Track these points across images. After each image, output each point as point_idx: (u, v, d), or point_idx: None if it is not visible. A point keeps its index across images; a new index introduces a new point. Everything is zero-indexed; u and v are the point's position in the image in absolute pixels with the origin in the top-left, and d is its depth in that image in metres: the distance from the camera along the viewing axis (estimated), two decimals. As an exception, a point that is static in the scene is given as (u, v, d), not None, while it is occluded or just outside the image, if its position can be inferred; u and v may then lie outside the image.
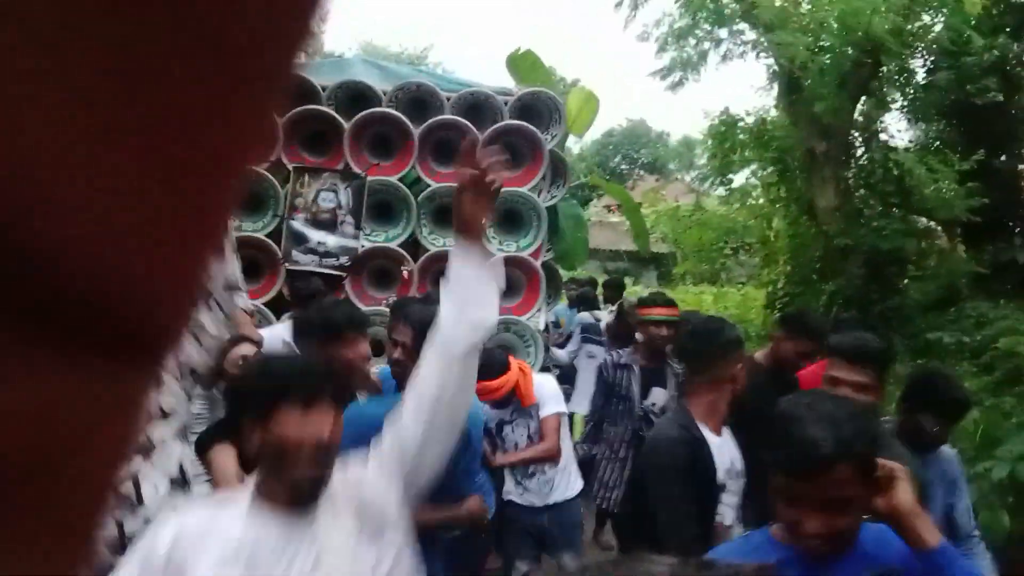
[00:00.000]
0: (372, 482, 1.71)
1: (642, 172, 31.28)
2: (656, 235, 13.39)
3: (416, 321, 2.61)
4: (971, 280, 10.08)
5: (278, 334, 4.17)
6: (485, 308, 1.70)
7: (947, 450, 3.13)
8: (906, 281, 10.47)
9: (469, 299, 1.69)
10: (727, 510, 2.63)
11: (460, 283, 1.70)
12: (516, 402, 3.79)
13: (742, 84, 12.94)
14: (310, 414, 1.61)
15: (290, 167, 5.21)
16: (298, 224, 5.18)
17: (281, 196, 5.17)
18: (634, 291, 16.38)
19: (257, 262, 5.28)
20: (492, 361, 3.62)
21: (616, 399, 4.50)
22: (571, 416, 6.07)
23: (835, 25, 9.32)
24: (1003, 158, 10.74)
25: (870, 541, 1.53)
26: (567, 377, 6.33)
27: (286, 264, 5.15)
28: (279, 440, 1.60)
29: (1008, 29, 10.24)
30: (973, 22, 9.35)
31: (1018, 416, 6.63)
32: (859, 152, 11.10)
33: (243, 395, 1.80)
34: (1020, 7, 10.47)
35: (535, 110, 5.48)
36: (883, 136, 10.98)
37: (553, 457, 3.83)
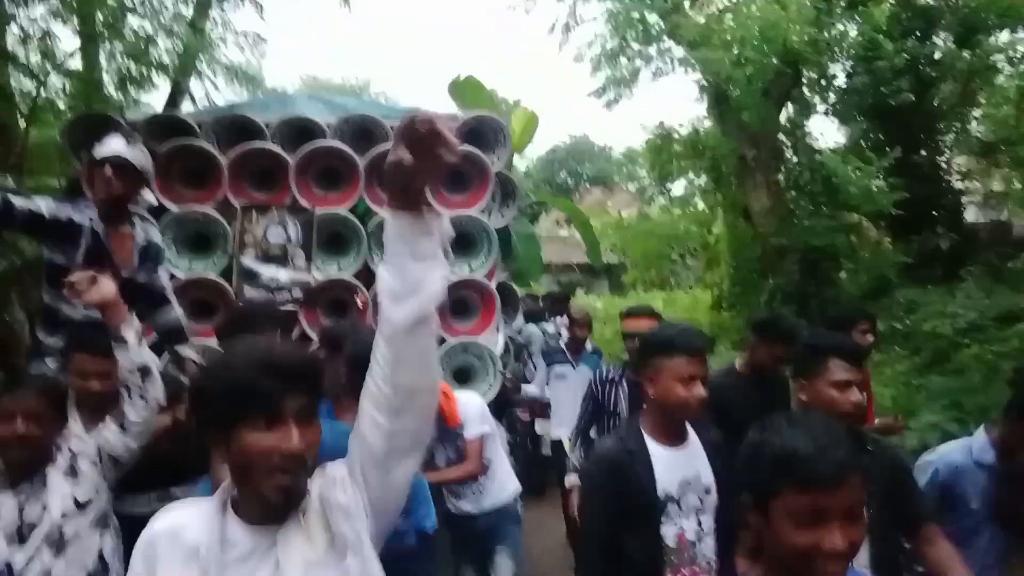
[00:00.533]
0: (340, 501, 1.51)
1: (587, 185, 31.61)
2: (605, 246, 13.68)
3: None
4: (900, 270, 10.39)
5: None
6: (428, 270, 1.49)
7: None
8: (841, 274, 10.91)
9: (408, 265, 1.47)
10: (686, 524, 2.48)
11: (397, 249, 1.48)
12: (441, 423, 3.72)
13: (679, 95, 13.32)
14: (277, 424, 1.42)
15: (237, 205, 5.08)
16: (249, 261, 5.03)
17: (230, 235, 5.04)
18: (587, 301, 16.62)
19: (210, 302, 5.18)
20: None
21: (606, 415, 4.47)
22: (559, 443, 6.04)
23: (755, 39, 9.50)
24: (923, 153, 11.22)
25: None
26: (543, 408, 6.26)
27: (240, 302, 5.05)
28: (244, 454, 1.43)
29: (917, 33, 10.74)
30: (884, 28, 9.79)
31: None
32: (787, 156, 11.38)
33: (200, 405, 1.51)
34: (925, 11, 10.97)
35: (481, 134, 5.42)
36: (808, 139, 11.30)
37: (475, 477, 3.88)
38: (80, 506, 2.55)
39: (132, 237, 3.22)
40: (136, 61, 8.64)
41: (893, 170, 9.81)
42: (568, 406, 5.55)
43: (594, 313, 14.84)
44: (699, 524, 2.52)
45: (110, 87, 8.04)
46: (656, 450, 2.51)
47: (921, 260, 10.42)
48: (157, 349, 3.25)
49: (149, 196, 3.50)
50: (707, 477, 2.55)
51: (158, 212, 5.03)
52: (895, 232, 11.05)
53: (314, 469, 1.53)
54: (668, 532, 2.46)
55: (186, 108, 8.06)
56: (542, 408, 6.17)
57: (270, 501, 1.45)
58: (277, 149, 5.15)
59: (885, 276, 10.43)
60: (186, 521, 1.53)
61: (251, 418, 1.41)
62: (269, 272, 5.08)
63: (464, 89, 6.12)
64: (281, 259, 5.10)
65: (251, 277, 5.08)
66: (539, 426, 6.61)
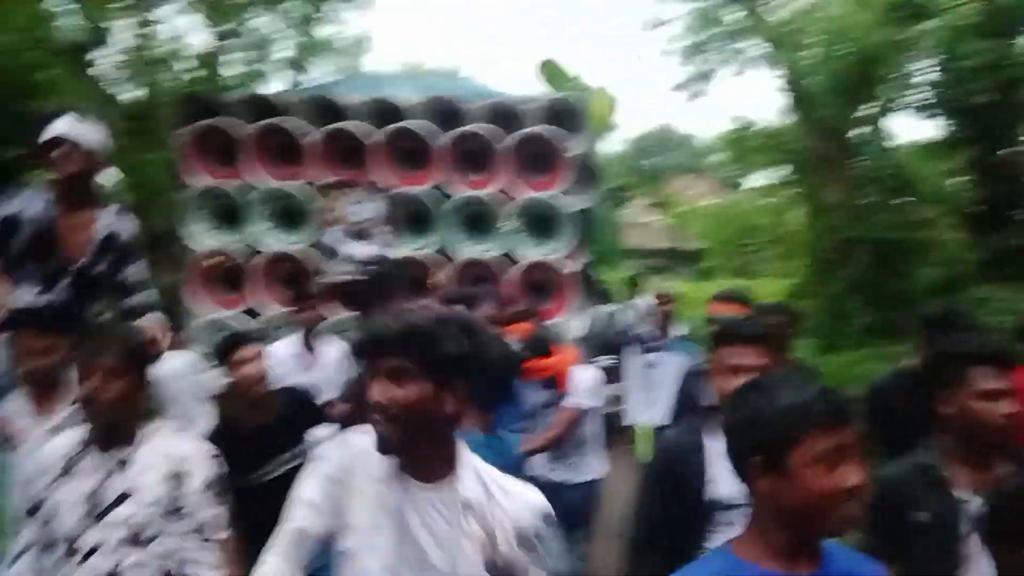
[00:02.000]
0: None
1: (671, 174, 31.00)
2: (688, 233, 13.52)
3: None
4: (975, 266, 9.83)
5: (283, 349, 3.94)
6: None
7: None
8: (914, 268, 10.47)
9: None
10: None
11: None
12: (554, 388, 3.69)
13: (762, 87, 12.99)
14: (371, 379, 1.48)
15: (322, 183, 4.93)
16: (331, 237, 4.87)
17: (315, 211, 4.92)
18: (667, 286, 16.07)
19: (297, 275, 5.08)
20: (543, 342, 3.67)
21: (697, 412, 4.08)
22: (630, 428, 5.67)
23: (833, 40, 9.35)
24: (1002, 151, 10.56)
25: (841, 560, 1.39)
26: None
27: (323, 275, 4.95)
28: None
29: (1000, 32, 10.10)
30: (967, 27, 9.20)
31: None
32: (864, 151, 10.92)
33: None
34: (1010, 10, 10.30)
35: (560, 116, 5.10)
36: (885, 136, 10.88)
37: (553, 446, 3.70)
38: (176, 513, 2.05)
39: (90, 225, 2.92)
40: (257, 60, 8.95)
41: (971, 167, 9.30)
42: (653, 393, 5.13)
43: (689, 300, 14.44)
44: None
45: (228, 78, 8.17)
46: (716, 448, 2.11)
47: (996, 258, 9.86)
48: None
49: (109, 174, 3.15)
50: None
51: (248, 188, 5.01)
52: (972, 228, 10.49)
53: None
54: (715, 542, 2.06)
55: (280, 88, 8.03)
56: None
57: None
58: (360, 129, 5.01)
59: (958, 272, 9.89)
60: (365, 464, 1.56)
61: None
62: (349, 248, 4.96)
63: (548, 72, 5.90)
64: (362, 236, 4.98)
65: (331, 253, 4.97)
66: None
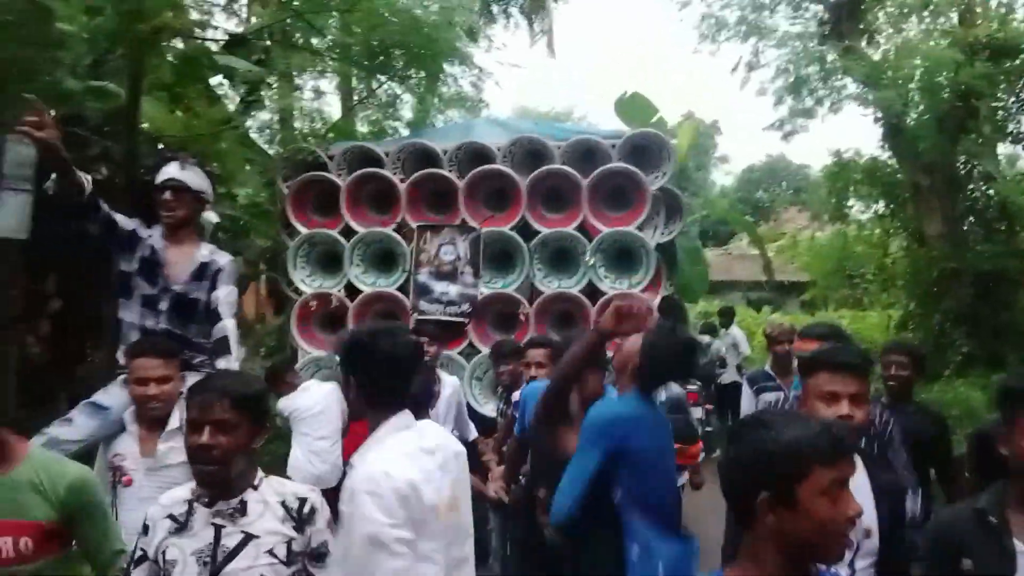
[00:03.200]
0: None
1: (782, 205, 29.41)
2: (794, 265, 13.13)
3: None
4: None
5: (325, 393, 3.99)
6: None
7: None
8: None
9: None
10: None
11: None
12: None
13: (859, 121, 12.50)
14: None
15: (414, 226, 4.96)
16: (423, 277, 4.89)
17: (408, 253, 4.93)
18: (770, 319, 15.50)
19: (391, 313, 5.13)
20: (690, 428, 3.74)
21: None
22: None
23: (924, 79, 9.20)
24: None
25: None
26: None
27: (415, 314, 4.88)
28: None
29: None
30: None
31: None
32: (965, 183, 10.47)
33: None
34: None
35: (644, 151, 4.93)
36: (985, 167, 10.20)
37: None
38: (287, 562, 1.87)
39: (192, 255, 3.09)
40: (385, 118, 9.57)
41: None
42: None
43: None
44: (851, 568, 2.00)
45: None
46: None
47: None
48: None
49: (211, 217, 3.33)
50: (869, 519, 2.02)
51: (348, 234, 5.23)
52: None
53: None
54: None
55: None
56: None
57: None
58: (449, 173, 4.98)
59: None
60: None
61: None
62: (441, 287, 5.03)
63: (630, 106, 5.76)
64: (452, 275, 4.93)
65: (425, 292, 5.05)
66: None
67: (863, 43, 10.43)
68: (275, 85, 7.02)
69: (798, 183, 30.45)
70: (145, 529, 1.88)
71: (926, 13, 9.97)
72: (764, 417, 1.43)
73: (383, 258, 5.15)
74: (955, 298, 9.63)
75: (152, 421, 2.63)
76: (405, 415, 1.97)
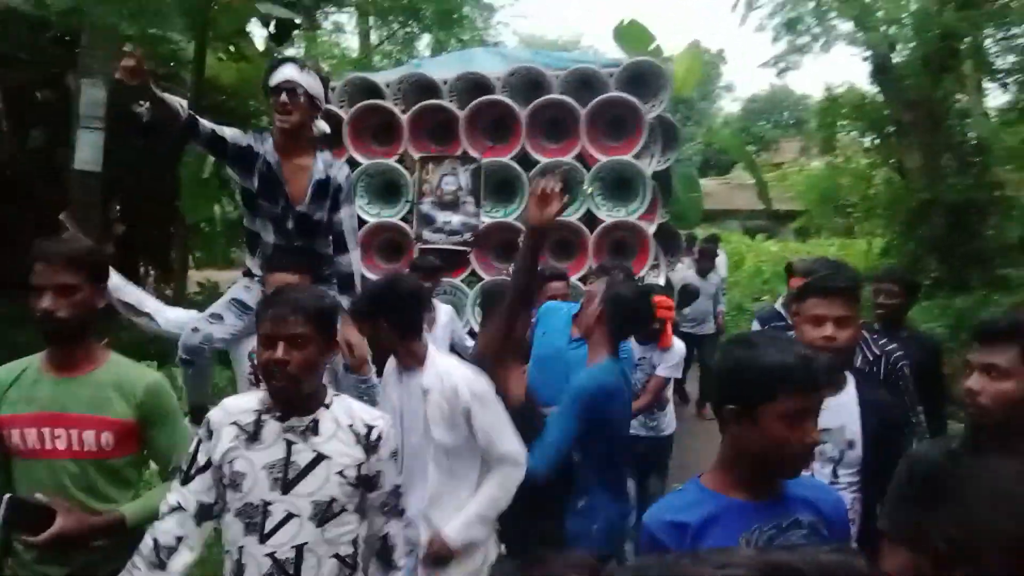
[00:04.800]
0: None
1: (784, 135, 28.64)
2: (789, 194, 13.22)
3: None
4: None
5: None
6: None
7: None
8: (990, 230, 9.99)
9: None
10: (819, 472, 2.03)
11: None
12: (654, 344, 3.57)
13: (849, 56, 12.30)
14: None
15: (416, 157, 4.78)
16: (426, 207, 4.75)
17: (411, 184, 4.77)
18: (765, 246, 15.44)
19: (395, 243, 4.99)
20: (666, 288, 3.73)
21: None
22: None
23: (910, 21, 9.29)
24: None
25: (795, 485, 1.44)
26: None
27: (418, 243, 4.77)
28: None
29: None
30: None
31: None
32: (944, 120, 10.38)
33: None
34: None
35: (641, 79, 4.69)
36: (960, 104, 10.46)
37: (650, 410, 3.78)
38: (356, 483, 1.77)
39: (308, 169, 2.82)
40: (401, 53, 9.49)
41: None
42: None
43: (770, 257, 13.84)
44: (834, 475, 2.05)
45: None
46: None
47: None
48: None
49: (322, 125, 2.96)
50: (852, 432, 2.06)
51: (352, 165, 5.09)
52: None
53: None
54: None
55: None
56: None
57: None
58: (449, 104, 4.80)
59: None
60: None
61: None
62: (443, 217, 4.94)
63: (628, 34, 5.54)
64: (454, 205, 4.79)
65: (428, 222, 4.95)
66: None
67: None
68: (301, 24, 6.97)
69: (799, 114, 29.69)
70: (209, 434, 1.76)
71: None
72: (752, 337, 1.47)
73: (386, 189, 5.02)
74: (930, 227, 9.81)
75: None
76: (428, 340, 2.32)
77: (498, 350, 2.38)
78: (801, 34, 10.61)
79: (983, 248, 9.58)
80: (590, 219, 4.77)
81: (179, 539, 1.72)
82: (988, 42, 9.54)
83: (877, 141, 11.24)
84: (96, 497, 1.81)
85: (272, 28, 6.56)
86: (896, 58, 9.98)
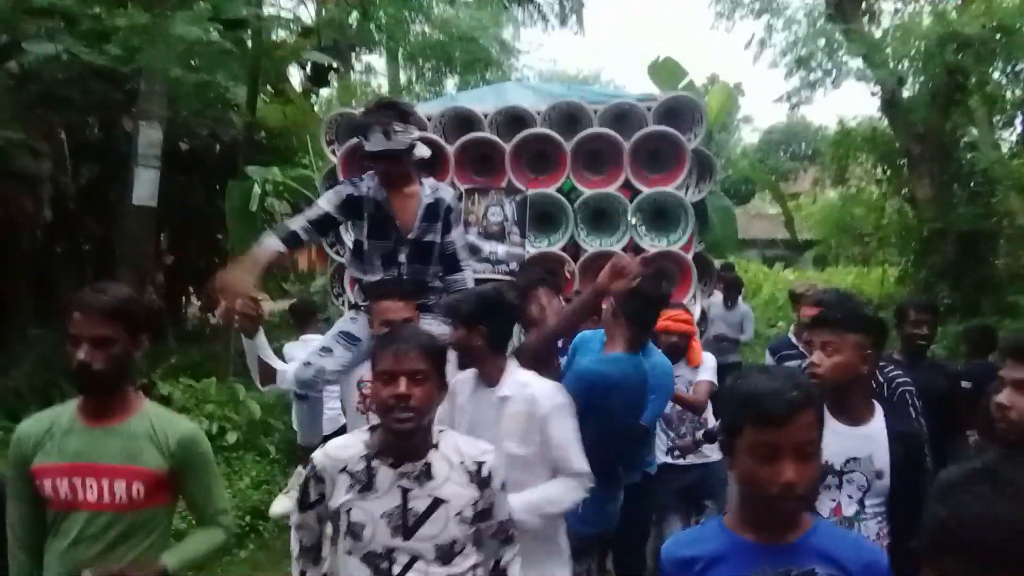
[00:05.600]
0: None
1: (806, 164, 28.71)
2: (808, 223, 13.51)
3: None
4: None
5: None
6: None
7: None
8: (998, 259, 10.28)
9: None
10: (845, 500, 2.06)
11: None
12: (684, 360, 3.61)
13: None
14: None
15: (462, 188, 4.79)
16: (472, 237, 4.72)
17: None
18: (783, 275, 15.53)
19: None
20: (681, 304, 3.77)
21: None
22: None
23: (919, 57, 9.46)
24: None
25: (823, 535, 1.34)
26: None
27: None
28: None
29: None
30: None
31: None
32: (952, 152, 10.74)
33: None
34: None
35: (677, 113, 4.71)
36: (969, 138, 10.74)
37: (697, 410, 3.63)
38: (473, 521, 1.76)
39: (416, 196, 2.84)
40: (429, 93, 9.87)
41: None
42: None
43: (786, 285, 13.96)
44: (861, 505, 2.05)
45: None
46: (832, 424, 1.94)
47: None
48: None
49: (423, 150, 3.00)
50: (881, 462, 2.05)
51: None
52: None
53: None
54: (823, 501, 2.05)
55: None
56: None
57: None
58: (495, 137, 4.82)
59: None
60: None
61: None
62: (489, 247, 4.97)
63: (662, 71, 5.64)
64: (499, 235, 4.80)
65: (475, 251, 4.99)
66: None
67: (864, 21, 10.52)
68: (336, 67, 7.37)
69: (816, 145, 29.81)
70: (318, 478, 1.75)
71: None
72: (751, 367, 1.42)
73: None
74: (941, 255, 9.94)
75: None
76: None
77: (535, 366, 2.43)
78: (813, 70, 10.84)
79: (993, 275, 9.74)
80: (632, 249, 4.79)
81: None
82: (997, 74, 9.69)
83: (888, 172, 11.41)
84: (126, 546, 1.77)
85: (309, 70, 6.93)
86: (906, 91, 10.17)
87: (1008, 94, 9.90)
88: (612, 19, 65.20)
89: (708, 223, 5.03)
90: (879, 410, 2.10)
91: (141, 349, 1.83)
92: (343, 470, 1.72)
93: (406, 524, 1.69)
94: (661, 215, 4.76)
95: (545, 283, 2.98)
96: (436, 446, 1.76)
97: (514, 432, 2.20)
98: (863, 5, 10.80)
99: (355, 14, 7.55)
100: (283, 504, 3.60)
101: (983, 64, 9.21)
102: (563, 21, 13.31)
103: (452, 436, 1.84)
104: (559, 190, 4.81)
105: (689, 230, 4.65)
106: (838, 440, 1.93)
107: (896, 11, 10.86)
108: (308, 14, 8.06)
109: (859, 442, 2.05)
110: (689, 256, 4.71)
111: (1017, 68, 9.68)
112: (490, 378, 2.33)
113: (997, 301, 9.18)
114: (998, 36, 8.73)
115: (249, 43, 5.71)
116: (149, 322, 1.94)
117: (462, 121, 5.06)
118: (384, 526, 1.69)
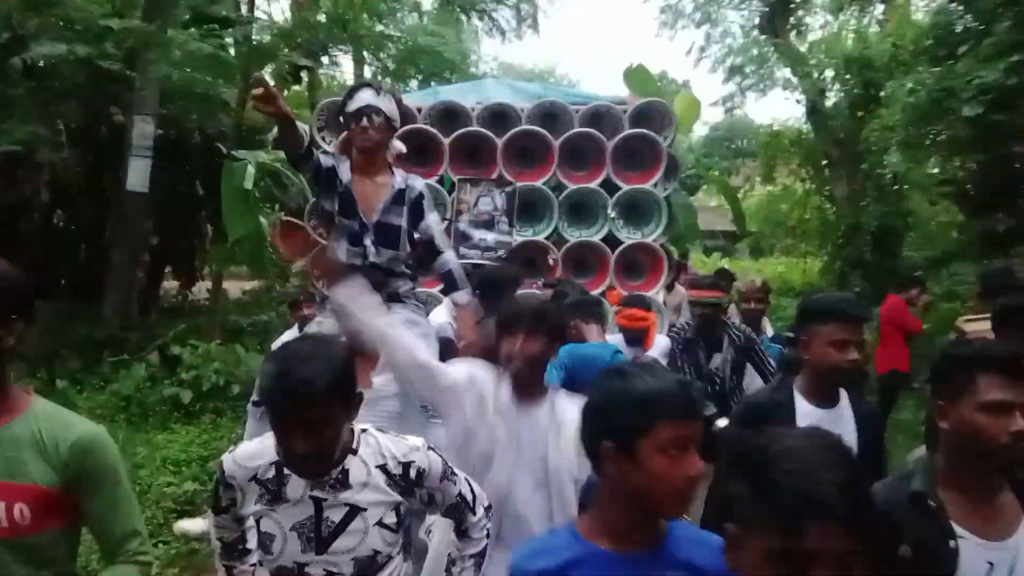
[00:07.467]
0: None
1: (744, 161, 27.19)
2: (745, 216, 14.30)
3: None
4: (963, 247, 9.89)
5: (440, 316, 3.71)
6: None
7: None
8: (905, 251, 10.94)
9: None
10: None
11: None
12: (639, 347, 3.62)
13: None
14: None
15: (455, 179, 4.82)
16: (463, 225, 4.80)
17: (449, 203, 4.81)
18: (718, 264, 16.19)
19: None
20: (643, 300, 3.73)
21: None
22: None
23: (841, 68, 10.07)
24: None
25: (682, 539, 1.23)
26: None
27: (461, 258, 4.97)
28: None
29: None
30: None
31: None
32: (865, 155, 11.25)
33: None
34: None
35: (650, 117, 4.88)
36: (883, 142, 11.05)
37: None
38: (397, 528, 1.53)
39: (387, 185, 2.77)
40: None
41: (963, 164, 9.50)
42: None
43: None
44: None
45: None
46: (803, 406, 2.07)
47: (983, 241, 9.74)
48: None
49: (398, 145, 2.96)
50: (849, 444, 2.20)
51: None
52: (972, 215, 10.63)
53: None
54: None
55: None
56: None
57: None
58: (487, 132, 4.82)
59: (947, 252, 10.07)
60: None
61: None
62: (479, 235, 5.00)
63: (635, 77, 5.88)
64: (489, 224, 4.84)
65: (465, 238, 4.99)
66: None
67: (792, 36, 11.26)
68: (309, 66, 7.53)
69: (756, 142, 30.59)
70: (227, 485, 1.50)
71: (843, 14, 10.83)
72: (625, 368, 1.27)
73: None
74: (854, 248, 10.57)
75: (365, 354, 2.22)
76: None
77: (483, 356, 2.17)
78: (747, 77, 11.55)
79: (899, 266, 10.23)
80: (610, 240, 4.97)
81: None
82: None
83: (811, 172, 12.02)
84: None
85: (287, 68, 7.08)
86: (829, 100, 10.74)
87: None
88: (565, 19, 66.24)
89: (672, 218, 5.28)
90: (843, 393, 2.12)
91: (14, 335, 1.36)
92: (252, 479, 1.49)
93: (319, 536, 1.46)
94: (636, 209, 4.96)
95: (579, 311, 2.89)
96: (355, 450, 1.50)
97: (574, 452, 1.90)
98: (792, 20, 11.56)
99: (323, 17, 7.75)
100: (195, 524, 3.58)
101: (891, 77, 9.81)
102: (519, 36, 13.60)
103: (374, 436, 1.54)
104: (545, 184, 4.91)
105: (663, 224, 4.87)
106: (810, 422, 1.92)
107: (823, 25, 11.59)
108: (282, 16, 8.24)
109: (828, 425, 1.92)
110: (661, 249, 4.93)
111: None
112: (533, 396, 1.99)
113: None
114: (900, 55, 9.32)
115: (232, 50, 5.80)
116: (22, 303, 1.38)
117: (450, 114, 5.06)
118: (295, 539, 1.46)
